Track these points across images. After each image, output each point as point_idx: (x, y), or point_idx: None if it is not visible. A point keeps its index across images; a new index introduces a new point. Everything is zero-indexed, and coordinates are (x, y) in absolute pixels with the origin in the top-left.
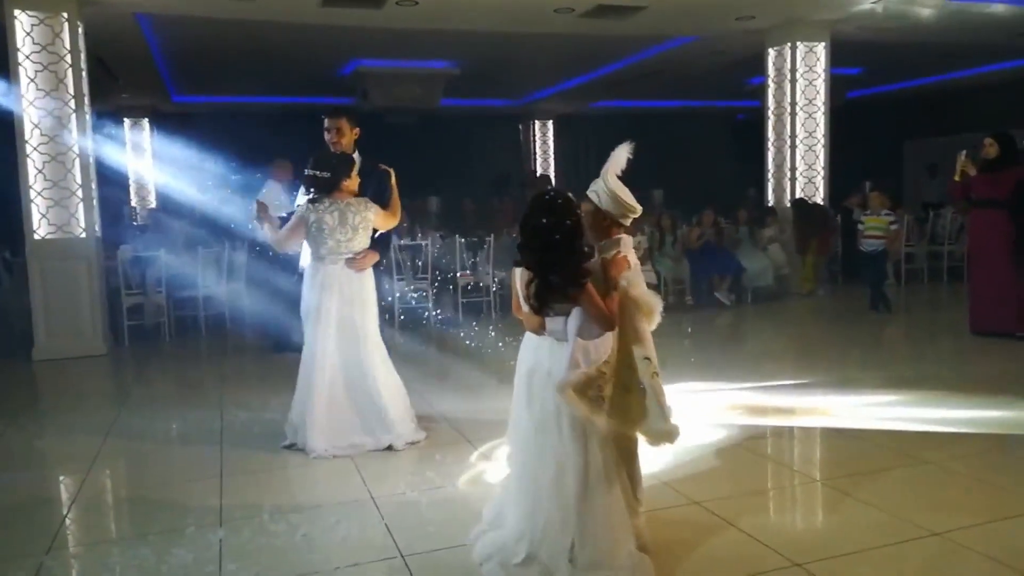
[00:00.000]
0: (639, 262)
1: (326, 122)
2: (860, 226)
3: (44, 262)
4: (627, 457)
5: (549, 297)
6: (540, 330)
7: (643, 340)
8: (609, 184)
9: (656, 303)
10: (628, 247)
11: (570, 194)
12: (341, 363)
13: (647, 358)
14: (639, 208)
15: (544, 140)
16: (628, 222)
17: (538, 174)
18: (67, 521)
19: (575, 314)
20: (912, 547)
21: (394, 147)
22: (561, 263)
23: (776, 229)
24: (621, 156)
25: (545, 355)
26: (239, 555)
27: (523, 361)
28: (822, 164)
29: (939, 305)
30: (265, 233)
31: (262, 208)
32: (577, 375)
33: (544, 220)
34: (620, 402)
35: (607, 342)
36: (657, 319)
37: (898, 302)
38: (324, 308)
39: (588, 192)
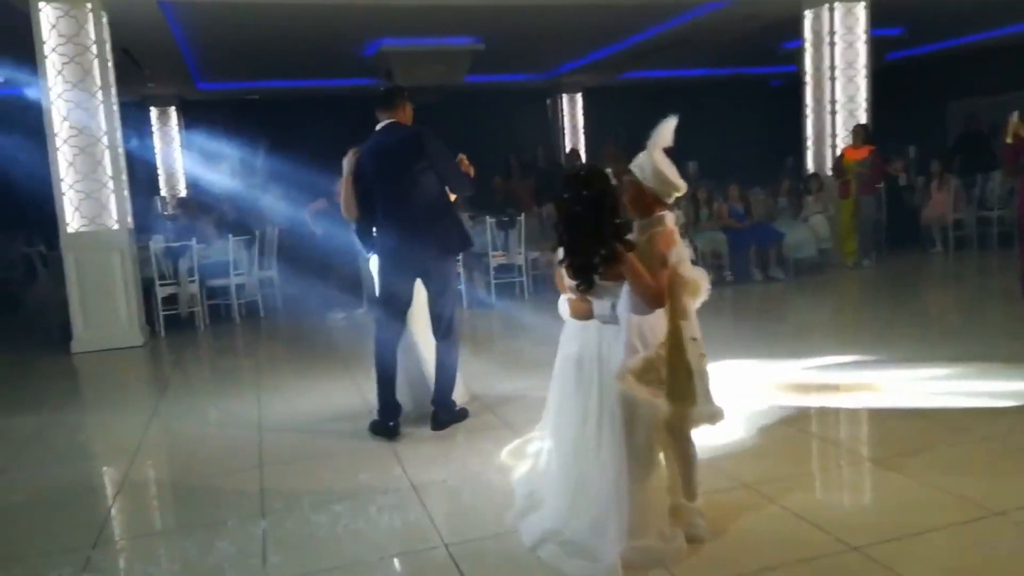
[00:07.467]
0: (679, 238)
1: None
2: None
3: (78, 255)
4: (683, 441)
5: (587, 272)
6: (588, 316)
7: (690, 319)
8: (655, 160)
9: (703, 280)
10: (672, 224)
11: (600, 167)
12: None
13: (694, 338)
14: (683, 186)
15: (573, 114)
16: (671, 200)
17: (568, 149)
18: (112, 513)
19: (624, 295)
20: (974, 528)
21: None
22: (586, 235)
23: (819, 198)
24: (667, 130)
25: (593, 339)
26: (283, 547)
27: (567, 346)
28: None
29: (990, 272)
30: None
31: None
32: (637, 360)
33: (566, 195)
34: (674, 384)
35: (661, 323)
36: (704, 296)
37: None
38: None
39: (631, 166)
